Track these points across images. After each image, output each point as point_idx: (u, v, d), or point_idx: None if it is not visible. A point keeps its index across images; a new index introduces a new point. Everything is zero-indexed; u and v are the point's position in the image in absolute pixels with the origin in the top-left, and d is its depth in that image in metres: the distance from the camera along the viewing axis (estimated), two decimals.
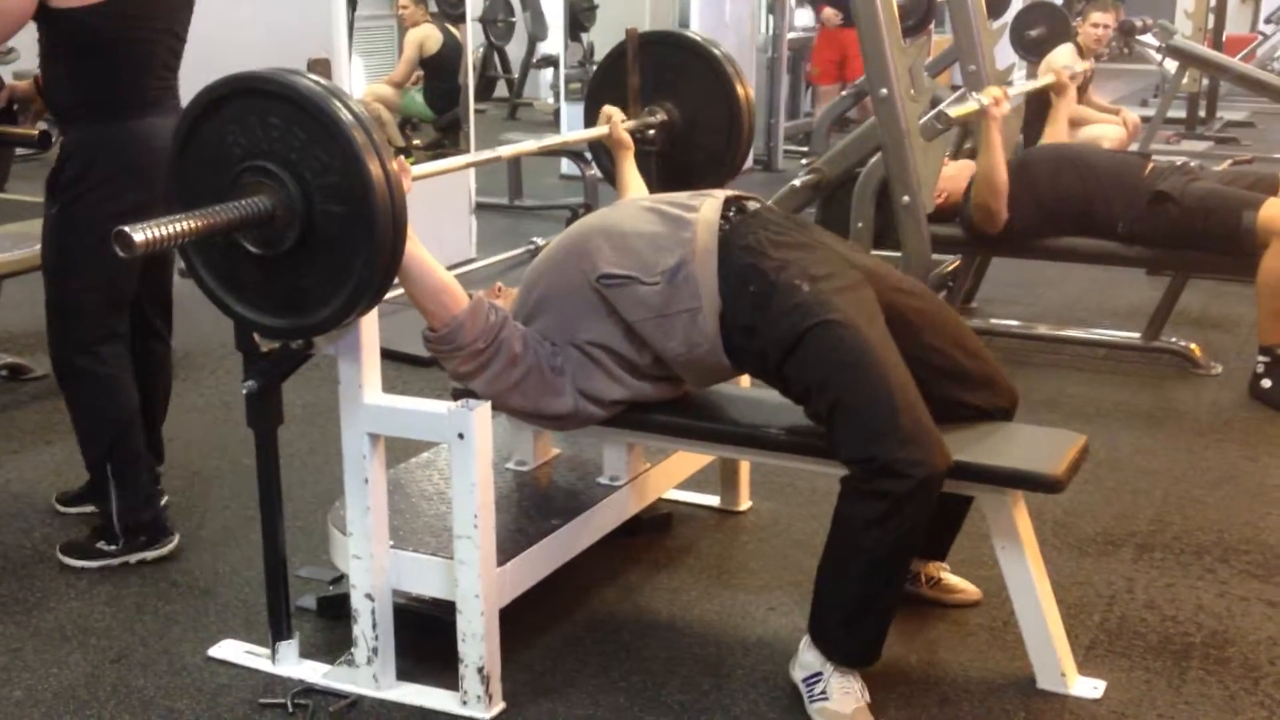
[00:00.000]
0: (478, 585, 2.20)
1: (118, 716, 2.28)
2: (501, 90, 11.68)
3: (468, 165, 3.80)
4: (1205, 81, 9.29)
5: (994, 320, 4.71)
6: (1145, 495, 3.25)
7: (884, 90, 3.53)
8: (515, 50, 11.61)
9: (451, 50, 5.98)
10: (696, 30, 6.87)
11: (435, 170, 2.53)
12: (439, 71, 6.02)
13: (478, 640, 2.23)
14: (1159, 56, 8.52)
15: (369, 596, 2.29)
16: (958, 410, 2.36)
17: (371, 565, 2.27)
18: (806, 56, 9.20)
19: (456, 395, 2.33)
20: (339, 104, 1.97)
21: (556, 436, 2.79)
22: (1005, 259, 4.76)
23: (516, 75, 11.56)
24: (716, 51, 3.07)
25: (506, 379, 2.30)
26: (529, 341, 2.33)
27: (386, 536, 2.31)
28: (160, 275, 2.96)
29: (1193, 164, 4.37)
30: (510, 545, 2.36)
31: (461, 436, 2.14)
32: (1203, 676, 2.41)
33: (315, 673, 2.38)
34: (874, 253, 3.75)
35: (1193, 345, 4.34)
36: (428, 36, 6.06)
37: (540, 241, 5.57)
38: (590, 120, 3.02)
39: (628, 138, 2.92)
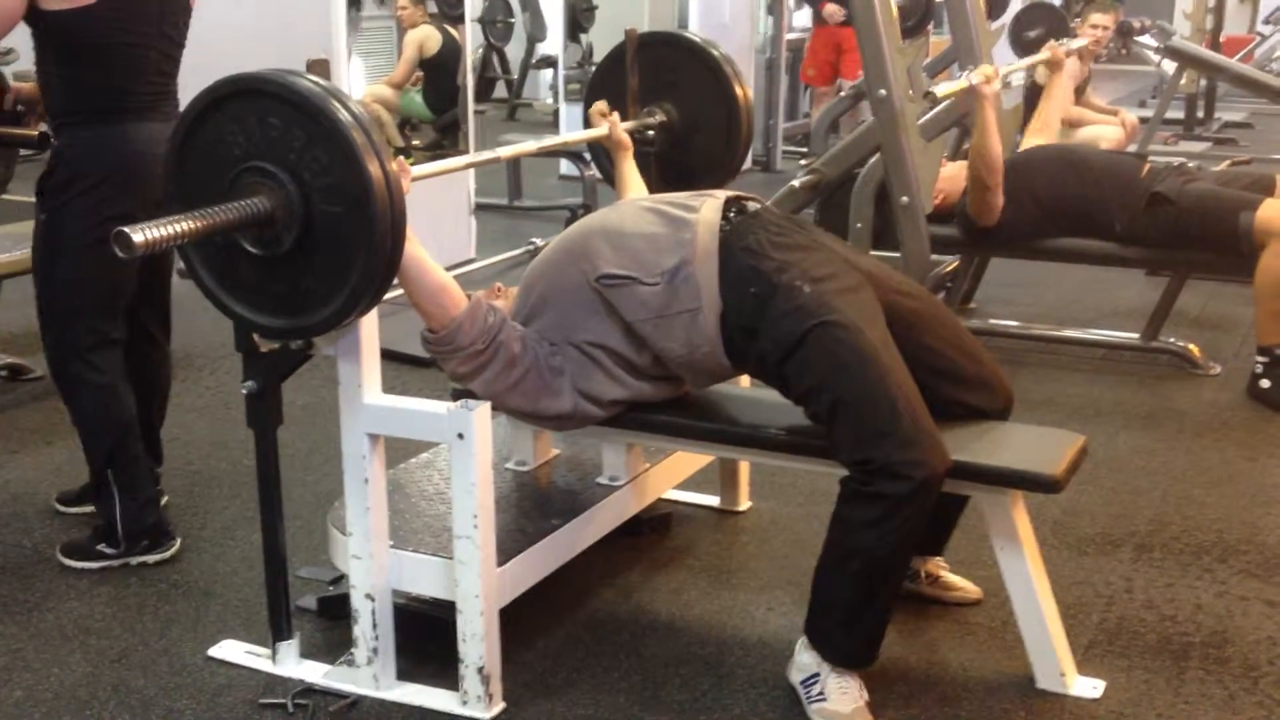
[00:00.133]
0: (477, 585, 2.20)
1: (118, 716, 2.28)
2: (501, 91, 11.67)
3: (467, 166, 3.79)
4: (1203, 82, 9.29)
5: (993, 320, 4.71)
6: (1144, 495, 3.25)
7: (883, 91, 3.53)
8: (514, 51, 11.61)
9: (451, 51, 5.98)
10: (695, 31, 6.88)
11: (435, 171, 2.53)
12: (438, 72, 6.01)
13: (478, 640, 2.23)
14: (1157, 57, 8.54)
15: (369, 596, 2.29)
16: (954, 410, 2.36)
17: (371, 565, 2.28)
18: (803, 58, 9.19)
19: (456, 396, 2.33)
20: (338, 105, 1.97)
21: (556, 436, 2.80)
22: (1004, 259, 4.77)
23: (516, 76, 11.56)
24: (715, 52, 3.08)
25: (505, 380, 2.30)
26: (528, 342, 2.33)
27: (386, 536, 2.31)
28: (158, 280, 2.95)
29: (1190, 165, 4.38)
30: (510, 545, 2.36)
31: (461, 437, 2.15)
32: (1202, 676, 2.41)
33: (315, 673, 2.38)
34: (873, 253, 3.76)
35: (1191, 345, 4.34)
36: (427, 37, 6.06)
37: (539, 242, 5.57)
38: (589, 121, 3.02)
39: (626, 138, 2.92)
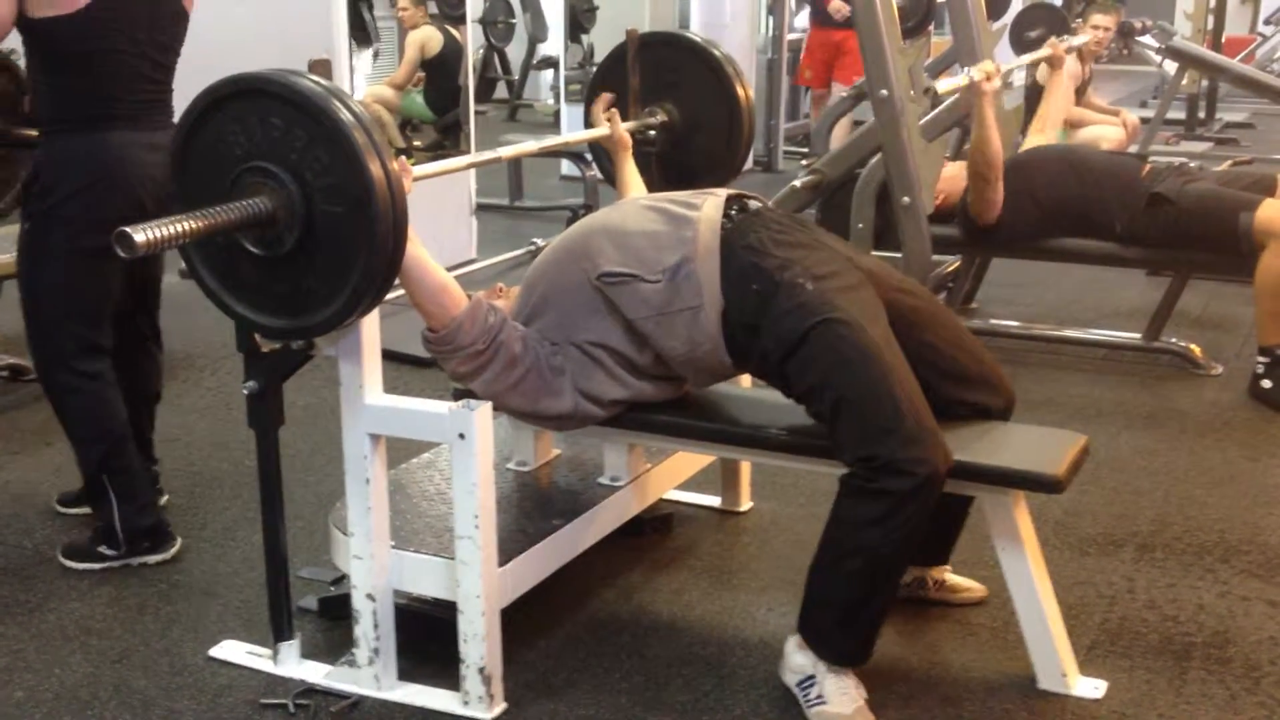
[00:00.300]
0: (479, 586, 2.20)
1: (119, 717, 2.28)
2: (502, 92, 11.68)
3: (468, 166, 3.79)
4: (1204, 83, 9.29)
5: (994, 321, 4.71)
6: (1146, 495, 3.25)
7: (884, 91, 3.53)
8: (515, 52, 11.61)
9: (452, 52, 5.98)
10: (696, 31, 6.89)
11: (436, 171, 2.53)
12: (439, 73, 6.01)
13: (479, 641, 2.23)
14: (1158, 58, 8.53)
15: (370, 597, 2.29)
16: (955, 409, 2.36)
17: (373, 566, 2.28)
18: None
19: (457, 396, 2.33)
20: (339, 105, 1.97)
21: (557, 437, 2.80)
22: (1005, 260, 4.77)
23: (517, 77, 11.56)
24: (716, 52, 3.08)
25: (505, 379, 2.30)
26: (528, 342, 2.33)
27: (388, 537, 2.31)
28: (149, 287, 2.94)
29: (1192, 165, 4.38)
30: (511, 546, 2.36)
31: (462, 437, 2.14)
32: (1204, 677, 2.41)
33: (317, 673, 2.38)
34: (874, 253, 3.76)
35: (1193, 346, 4.34)
36: (429, 38, 6.06)
37: (540, 242, 5.56)
38: (590, 121, 3.02)
39: (627, 138, 2.92)
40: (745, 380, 2.81)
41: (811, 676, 2.25)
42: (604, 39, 7.87)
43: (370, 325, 2.21)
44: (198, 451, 3.51)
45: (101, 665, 2.44)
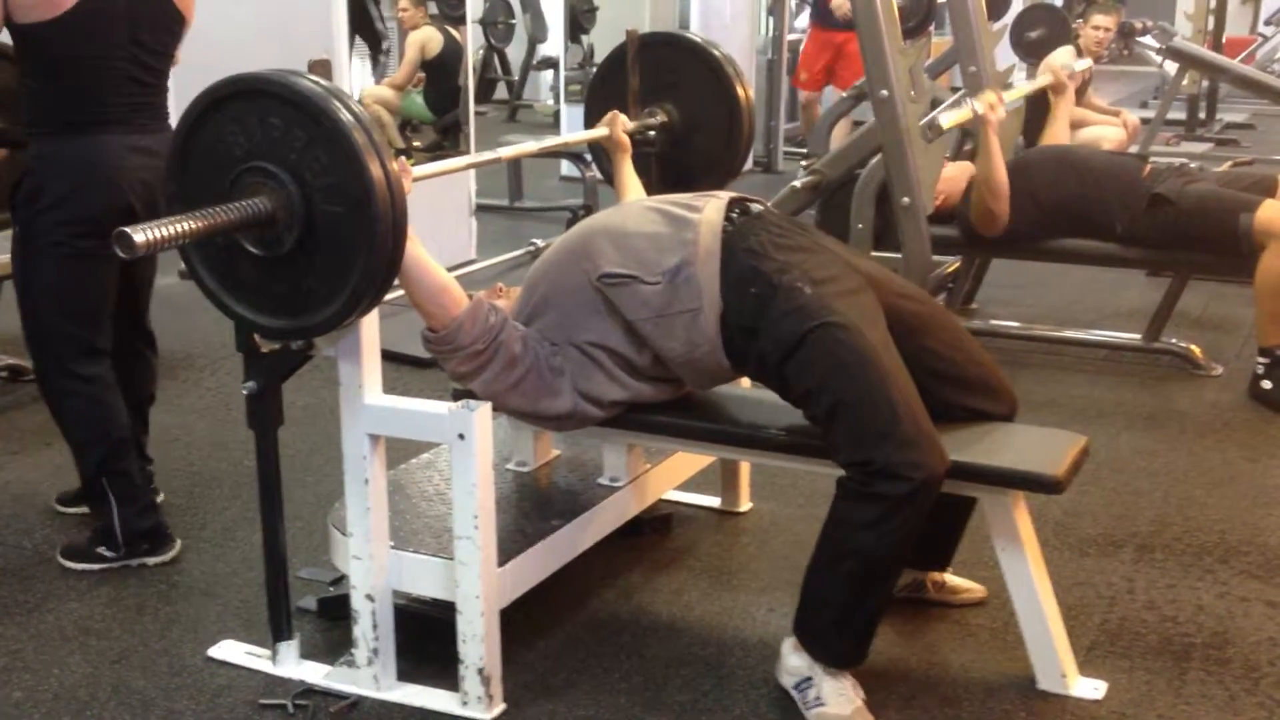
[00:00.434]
0: (478, 586, 2.20)
1: (118, 717, 2.28)
2: (501, 92, 11.67)
3: (468, 166, 3.80)
4: (1205, 83, 9.29)
5: (994, 321, 4.71)
6: (1146, 496, 3.25)
7: (884, 92, 3.53)
8: (515, 52, 11.61)
9: (452, 52, 5.98)
10: (696, 32, 6.88)
11: (436, 171, 2.53)
12: (439, 73, 6.02)
13: (478, 641, 2.23)
14: (1159, 58, 8.52)
15: (369, 597, 2.29)
16: (955, 414, 2.36)
17: (372, 566, 2.27)
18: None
19: (457, 396, 2.33)
20: (339, 105, 1.97)
21: (557, 437, 2.80)
22: (1005, 260, 4.77)
23: (516, 77, 11.56)
24: (716, 53, 3.08)
25: (505, 380, 2.30)
26: (528, 342, 2.33)
27: (387, 537, 2.31)
28: (139, 289, 2.93)
29: (1192, 166, 4.38)
30: (510, 546, 2.36)
31: (462, 437, 2.14)
32: (1203, 677, 2.41)
33: (316, 674, 2.38)
34: (874, 254, 3.76)
35: (1193, 346, 4.34)
36: (429, 39, 6.07)
37: (540, 243, 5.57)
38: (590, 122, 3.02)
39: (626, 139, 2.92)
40: (745, 381, 2.81)
41: (809, 678, 2.25)
42: (604, 39, 7.87)
43: (370, 325, 2.21)
44: (197, 452, 3.51)
45: (100, 665, 2.44)
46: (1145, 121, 7.12)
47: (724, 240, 2.31)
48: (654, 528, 2.98)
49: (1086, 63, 5.64)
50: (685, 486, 3.03)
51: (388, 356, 2.43)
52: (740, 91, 3.04)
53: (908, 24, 6.43)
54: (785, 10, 8.66)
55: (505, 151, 2.86)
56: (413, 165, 2.25)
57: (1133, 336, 4.47)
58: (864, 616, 2.22)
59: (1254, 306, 4.00)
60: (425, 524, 2.44)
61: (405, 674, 2.35)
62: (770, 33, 8.64)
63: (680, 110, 3.07)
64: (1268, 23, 12.96)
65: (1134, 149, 6.09)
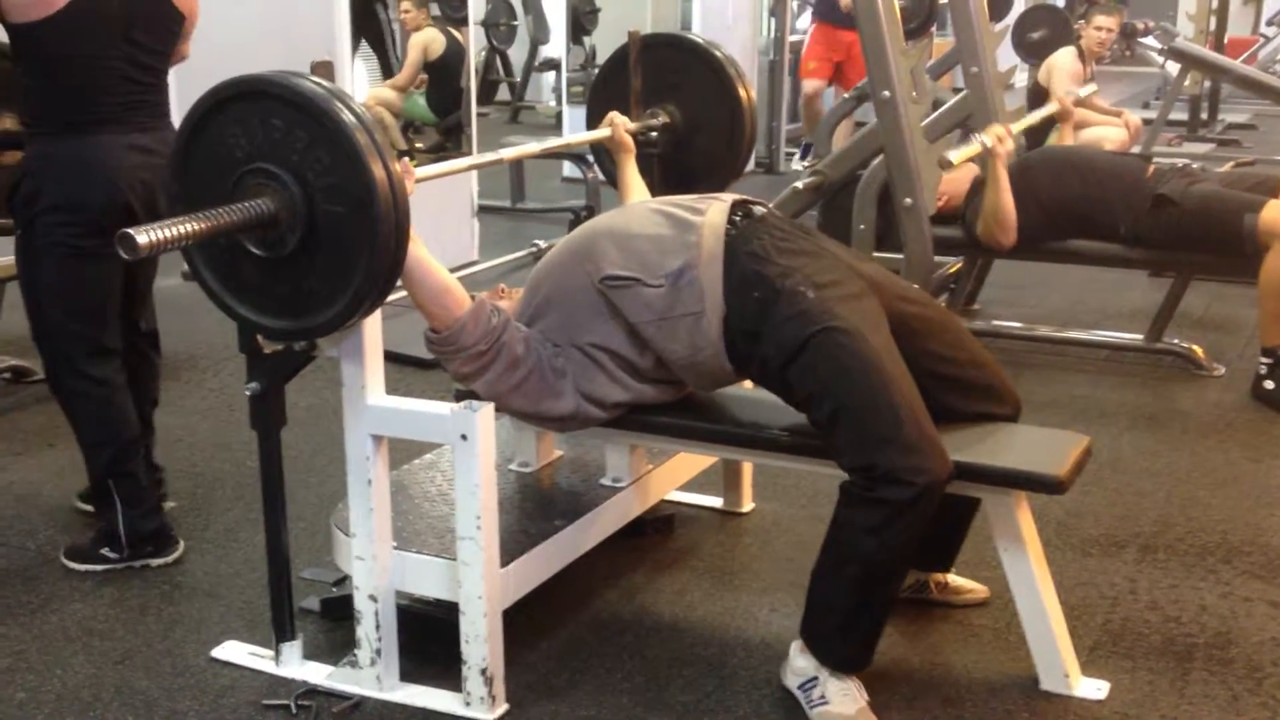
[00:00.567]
0: (481, 587, 2.20)
1: (121, 718, 2.28)
2: (504, 93, 11.68)
3: (470, 168, 3.81)
4: (1207, 84, 9.28)
5: (996, 322, 4.71)
6: (1148, 496, 3.25)
7: (886, 93, 3.53)
8: (517, 54, 11.62)
9: (454, 54, 5.99)
10: (698, 33, 6.88)
11: (438, 172, 2.54)
12: (442, 75, 6.03)
13: (481, 641, 2.23)
14: (1161, 59, 8.53)
15: (372, 598, 2.29)
16: (959, 418, 2.35)
17: (375, 566, 2.28)
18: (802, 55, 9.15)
19: (459, 397, 2.33)
20: (341, 106, 1.97)
21: (559, 438, 2.80)
22: (1007, 261, 4.76)
23: (519, 79, 11.57)
24: (718, 54, 3.08)
25: (507, 381, 2.30)
26: (531, 343, 2.33)
27: (390, 538, 2.31)
28: (137, 290, 2.93)
29: (1194, 166, 4.38)
30: (513, 547, 2.36)
31: (465, 438, 2.14)
32: (1206, 677, 2.41)
33: (319, 674, 2.38)
34: (876, 255, 3.76)
35: (1195, 347, 4.34)
36: (431, 40, 6.08)
37: (542, 244, 5.57)
38: (593, 123, 3.02)
39: (629, 140, 2.92)
40: (747, 382, 2.80)
41: (814, 678, 2.25)
42: (606, 41, 7.88)
43: (372, 326, 2.21)
44: (200, 453, 3.51)
45: (104, 666, 2.45)
46: (1147, 122, 7.13)
47: (727, 243, 2.30)
48: (656, 528, 2.98)
49: (1092, 88, 5.65)
50: (688, 487, 3.03)
51: (390, 357, 2.43)
52: (742, 92, 3.04)
53: (909, 25, 6.44)
54: (787, 11, 8.65)
55: (507, 153, 2.87)
56: (415, 166, 2.26)
57: (1135, 337, 4.47)
58: (869, 621, 2.22)
59: (1257, 307, 4.00)
60: (428, 524, 2.44)
61: (408, 674, 2.35)
62: (772, 33, 8.63)
63: (682, 111, 3.07)
64: (1270, 23, 12.96)
65: (1136, 149, 6.09)
